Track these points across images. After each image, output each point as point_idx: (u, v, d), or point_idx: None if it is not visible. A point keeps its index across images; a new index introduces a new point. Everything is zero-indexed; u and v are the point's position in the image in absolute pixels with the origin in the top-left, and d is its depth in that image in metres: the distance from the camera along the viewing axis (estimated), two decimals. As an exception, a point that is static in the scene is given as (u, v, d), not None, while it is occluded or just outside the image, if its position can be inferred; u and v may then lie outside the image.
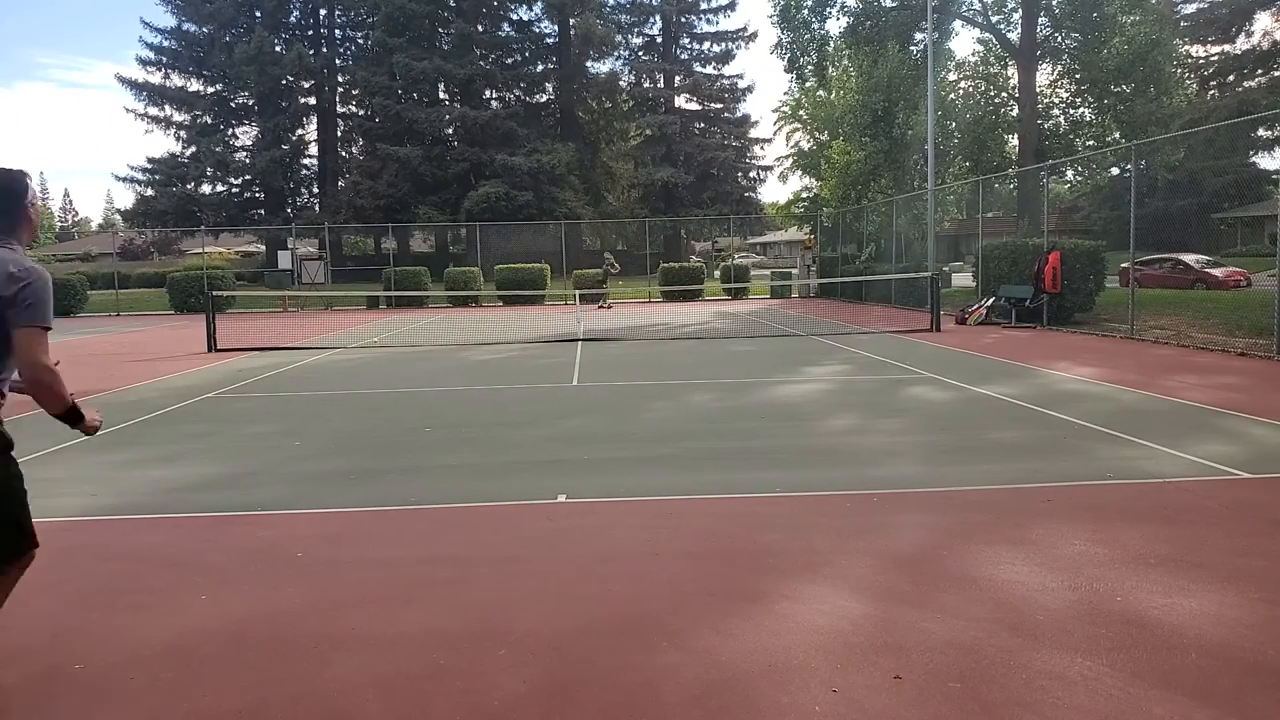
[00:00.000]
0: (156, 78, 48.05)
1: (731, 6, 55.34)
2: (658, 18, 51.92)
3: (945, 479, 5.45)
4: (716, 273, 36.67)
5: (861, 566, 3.93)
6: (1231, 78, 32.05)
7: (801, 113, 50.50)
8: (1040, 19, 28.14)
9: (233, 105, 49.43)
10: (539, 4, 48.69)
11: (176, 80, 48.47)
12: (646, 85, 52.16)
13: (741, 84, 53.51)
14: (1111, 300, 17.23)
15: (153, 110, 47.89)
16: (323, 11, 49.95)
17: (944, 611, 3.41)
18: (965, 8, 29.81)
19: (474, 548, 4.39)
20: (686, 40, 53.05)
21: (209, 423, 8.12)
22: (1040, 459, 5.97)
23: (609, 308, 25.73)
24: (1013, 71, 30.38)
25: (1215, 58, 33.56)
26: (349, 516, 4.98)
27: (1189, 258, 26.00)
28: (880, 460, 6.05)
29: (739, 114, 53.79)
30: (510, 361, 12.77)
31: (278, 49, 47.09)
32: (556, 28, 49.36)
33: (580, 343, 15.11)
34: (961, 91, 32.56)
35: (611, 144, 52.23)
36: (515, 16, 50.41)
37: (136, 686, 2.97)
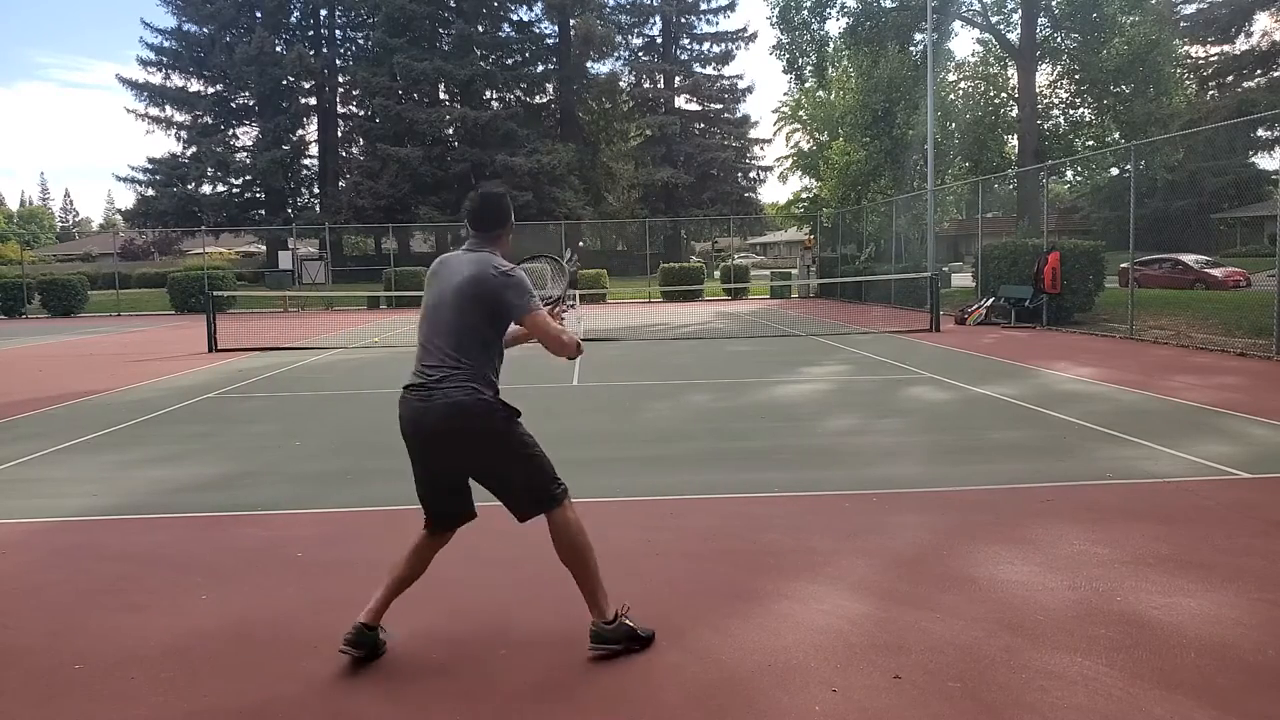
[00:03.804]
0: (157, 78, 47.98)
1: (731, 7, 55.24)
2: (658, 18, 51.90)
3: (945, 479, 5.45)
4: (716, 273, 36.67)
5: (861, 566, 3.93)
6: (1231, 78, 32.08)
7: (801, 113, 50.61)
8: (1040, 19, 28.11)
9: (233, 105, 49.34)
10: (539, 4, 48.63)
11: (177, 80, 48.37)
12: (646, 86, 52.14)
13: (741, 84, 53.54)
14: (1111, 300, 17.22)
15: (153, 110, 47.81)
16: (323, 12, 49.87)
17: (944, 611, 3.41)
18: (965, 8, 29.76)
19: (474, 548, 4.39)
20: (686, 41, 53.04)
21: (209, 423, 8.12)
22: (1040, 459, 5.97)
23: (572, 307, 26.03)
24: (1012, 72, 30.35)
25: (1215, 58, 33.59)
26: (349, 516, 4.98)
27: (1188, 258, 26.00)
28: (880, 460, 6.05)
29: (739, 114, 53.80)
30: (510, 361, 12.70)
31: (278, 49, 46.99)
32: (556, 28, 49.29)
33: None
34: (961, 92, 32.54)
35: (611, 144, 52.19)
36: (515, 17, 50.33)
37: (136, 686, 2.97)
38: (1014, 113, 29.73)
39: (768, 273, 38.55)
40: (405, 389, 3.09)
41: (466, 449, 3.07)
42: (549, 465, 3.14)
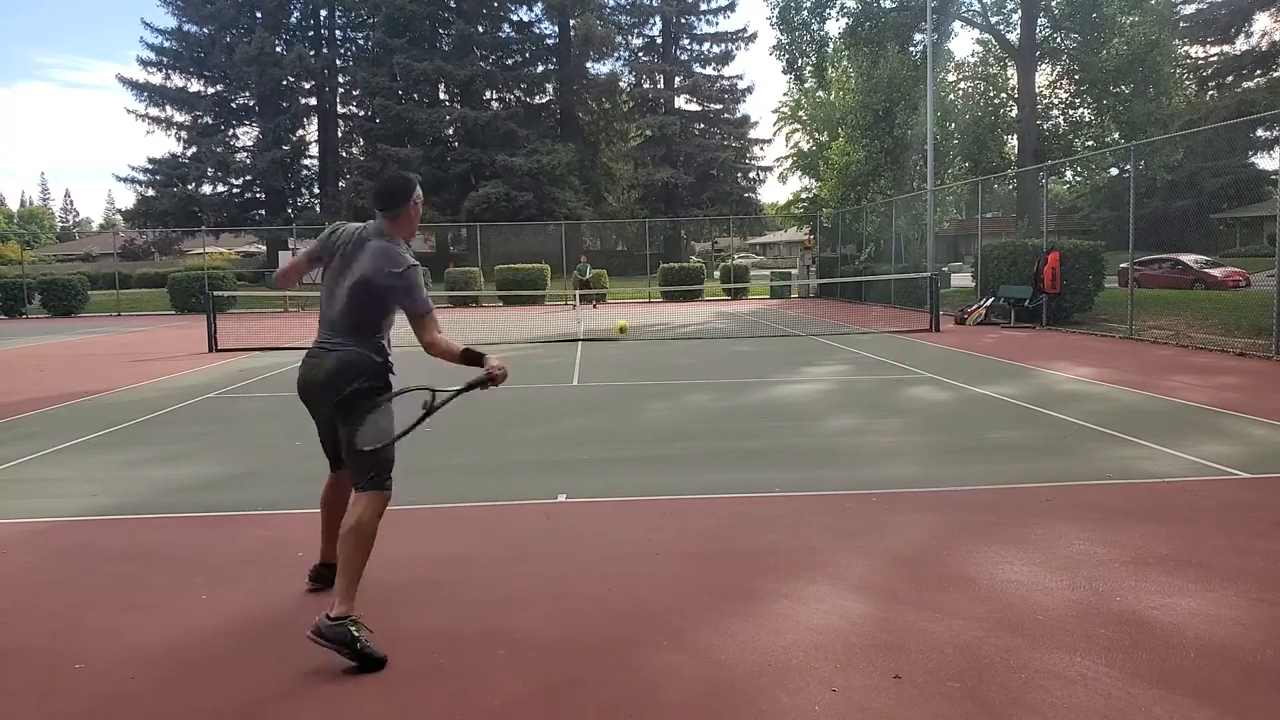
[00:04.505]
0: (157, 78, 48.00)
1: (731, 7, 55.19)
2: (657, 18, 51.92)
3: (945, 479, 5.45)
4: (716, 273, 36.67)
5: (861, 566, 3.93)
6: (1230, 78, 32.10)
7: (801, 113, 50.60)
8: (1040, 19, 28.13)
9: (233, 106, 49.36)
10: (539, 5, 48.66)
11: (177, 81, 48.39)
12: (646, 86, 52.15)
13: (741, 85, 53.55)
14: (1110, 300, 17.23)
15: (153, 111, 47.82)
16: (323, 12, 49.89)
17: (944, 611, 3.41)
18: (965, 8, 29.78)
19: (474, 548, 4.39)
20: (686, 41, 53.06)
21: (210, 423, 8.12)
22: (1040, 459, 5.97)
23: (595, 306, 26.57)
24: (1012, 72, 30.37)
25: (1214, 58, 33.62)
26: (349, 516, 4.98)
27: (1188, 258, 26.02)
28: (880, 460, 6.05)
29: (739, 114, 53.82)
30: (510, 361, 12.74)
31: (278, 50, 46.99)
32: (556, 28, 49.32)
33: (580, 343, 15.11)
34: (961, 92, 32.56)
35: (612, 144, 52.20)
36: (515, 17, 50.37)
37: (136, 686, 2.97)
38: (1014, 113, 29.73)
39: (767, 273, 38.55)
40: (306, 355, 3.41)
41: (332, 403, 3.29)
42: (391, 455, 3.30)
